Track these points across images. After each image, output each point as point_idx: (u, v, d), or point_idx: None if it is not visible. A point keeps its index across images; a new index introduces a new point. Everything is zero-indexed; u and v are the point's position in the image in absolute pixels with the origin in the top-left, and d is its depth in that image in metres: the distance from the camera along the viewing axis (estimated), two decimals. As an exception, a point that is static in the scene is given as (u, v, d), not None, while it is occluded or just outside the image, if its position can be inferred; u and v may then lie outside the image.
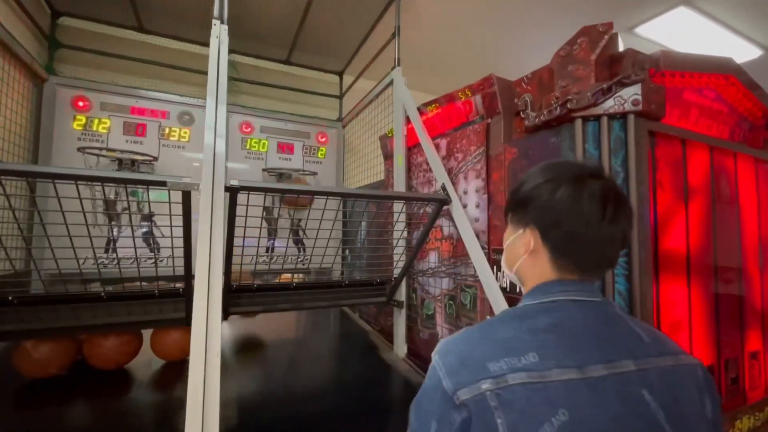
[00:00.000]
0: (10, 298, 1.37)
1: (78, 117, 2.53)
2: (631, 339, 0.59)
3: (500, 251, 1.55)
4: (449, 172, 1.86)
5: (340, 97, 3.65)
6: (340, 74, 3.64)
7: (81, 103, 2.54)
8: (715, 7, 2.68)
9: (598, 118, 1.25)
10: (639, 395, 0.53)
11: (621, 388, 0.53)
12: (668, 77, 1.36)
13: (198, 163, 2.83)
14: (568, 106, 1.25)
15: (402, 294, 2.09)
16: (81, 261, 1.35)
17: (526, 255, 0.68)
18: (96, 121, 2.57)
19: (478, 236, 1.62)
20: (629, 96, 1.20)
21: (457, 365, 0.56)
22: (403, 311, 2.09)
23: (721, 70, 1.50)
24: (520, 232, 0.69)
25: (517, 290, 1.45)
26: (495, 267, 1.58)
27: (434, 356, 0.60)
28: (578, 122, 1.26)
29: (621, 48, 1.37)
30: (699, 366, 0.61)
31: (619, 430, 0.51)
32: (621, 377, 0.54)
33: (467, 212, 1.71)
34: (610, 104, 1.22)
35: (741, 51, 3.17)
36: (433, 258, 2.03)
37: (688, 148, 1.43)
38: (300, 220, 2.76)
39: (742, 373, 1.53)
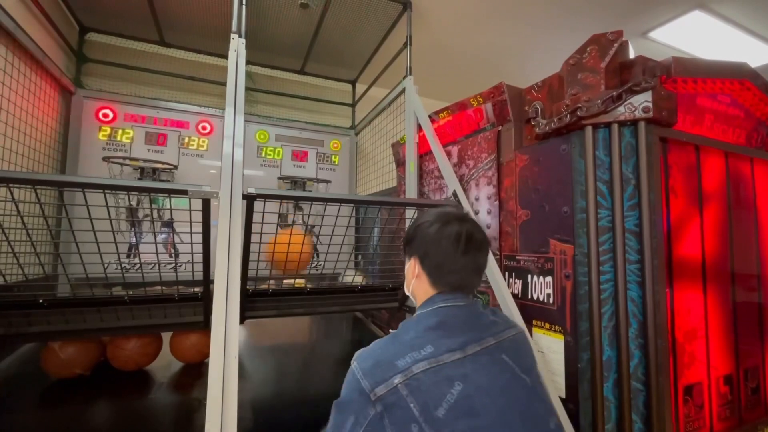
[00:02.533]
0: (40, 300, 1.44)
1: (103, 128, 2.64)
2: (490, 324, 0.82)
3: (512, 257, 1.56)
4: (460, 179, 1.88)
5: (353, 105, 3.71)
6: (353, 83, 3.71)
7: (106, 115, 2.66)
8: (731, 10, 2.64)
9: (608, 125, 1.25)
10: (501, 359, 0.76)
11: (490, 357, 0.75)
12: (680, 83, 1.36)
13: (215, 171, 2.92)
14: (578, 113, 1.26)
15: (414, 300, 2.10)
16: (105, 265, 1.41)
17: (414, 279, 0.89)
18: (120, 131, 2.68)
19: (489, 242, 1.63)
20: (639, 103, 1.21)
21: (372, 367, 0.71)
22: (415, 317, 2.10)
23: (735, 75, 1.48)
24: (410, 262, 0.91)
25: (528, 296, 1.46)
26: (506, 273, 1.58)
27: (353, 363, 0.75)
28: (588, 129, 1.26)
29: (632, 55, 1.37)
30: (522, 328, 0.89)
31: (497, 384, 0.71)
32: (488, 349, 0.76)
33: (478, 219, 1.73)
34: (620, 111, 1.23)
35: (759, 53, 3.10)
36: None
37: (702, 153, 1.42)
38: (313, 226, 2.80)
39: (763, 382, 1.49)
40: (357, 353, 0.77)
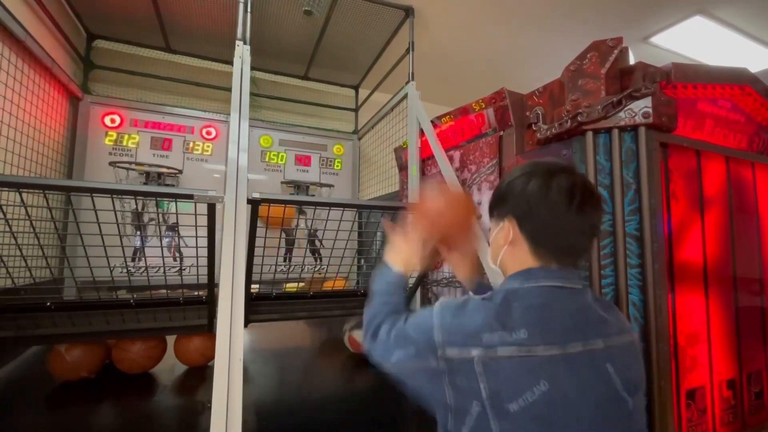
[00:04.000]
0: (47, 303, 1.46)
1: (110, 133, 2.68)
2: (600, 322, 0.66)
3: (513, 261, 1.56)
4: (463, 183, 1.89)
5: (356, 110, 3.74)
6: (356, 88, 3.74)
7: (113, 120, 2.70)
8: (732, 15, 2.65)
9: (609, 130, 1.27)
10: (604, 368, 0.62)
11: (591, 362, 0.62)
12: (680, 89, 1.37)
13: (218, 175, 2.94)
14: (579, 119, 1.27)
15: (416, 303, 2.11)
16: (111, 269, 1.43)
17: (506, 245, 0.73)
18: (126, 136, 2.72)
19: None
20: (640, 109, 1.22)
21: (452, 325, 0.63)
22: (418, 321, 2.10)
23: (735, 80, 1.49)
24: (501, 225, 0.75)
25: (531, 300, 1.46)
26: (508, 277, 1.59)
27: (436, 305, 0.67)
28: (589, 135, 1.28)
29: (632, 61, 1.39)
30: (638, 337, 0.73)
31: (589, 396, 0.59)
32: (592, 353, 0.62)
33: (481, 223, 1.74)
34: (620, 117, 1.24)
35: (760, 58, 3.11)
36: (447, 268, 2.05)
37: (703, 158, 1.43)
38: (317, 230, 2.82)
39: (766, 387, 1.49)
40: (443, 300, 0.68)
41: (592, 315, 0.66)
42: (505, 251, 0.74)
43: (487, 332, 0.60)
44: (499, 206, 0.76)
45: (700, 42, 2.97)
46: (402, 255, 0.89)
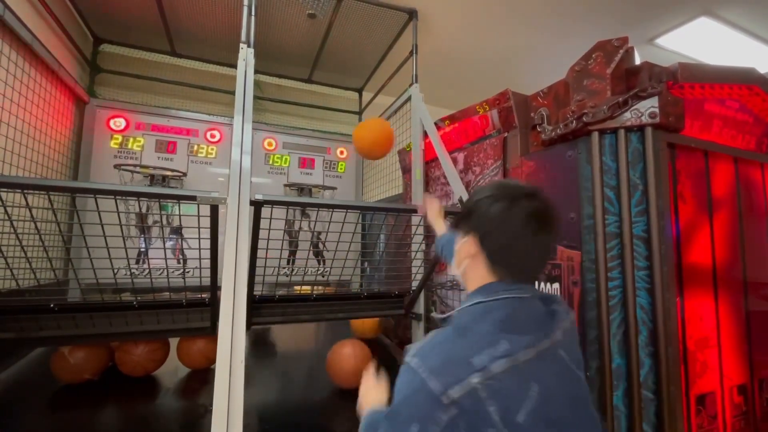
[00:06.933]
0: (51, 305, 1.46)
1: (115, 136, 2.70)
2: (552, 316, 0.72)
3: (518, 264, 1.55)
4: (467, 185, 1.88)
5: (360, 113, 3.74)
6: (360, 91, 3.74)
7: (118, 123, 2.71)
8: (738, 16, 2.63)
9: (615, 131, 1.25)
10: (559, 355, 0.68)
11: (553, 353, 0.67)
12: (687, 89, 1.35)
13: (223, 178, 2.95)
14: (584, 119, 1.26)
15: (420, 306, 2.10)
16: (115, 271, 1.43)
17: (468, 258, 0.77)
18: (131, 139, 2.73)
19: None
20: (646, 109, 1.20)
21: (442, 365, 0.61)
22: (422, 324, 2.09)
23: (743, 80, 1.47)
24: (465, 239, 0.78)
25: (536, 303, 1.44)
26: (513, 280, 1.57)
27: (411, 360, 0.64)
28: (595, 135, 1.26)
29: (637, 61, 1.37)
30: (573, 316, 0.78)
31: (564, 387, 0.65)
32: (553, 345, 0.67)
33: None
34: (627, 117, 1.23)
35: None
36: (450, 272, 2.03)
37: (711, 159, 1.41)
38: (320, 232, 2.81)
39: (778, 393, 1.45)
40: (413, 348, 0.66)
41: (546, 312, 0.72)
42: (467, 263, 0.78)
43: (475, 355, 0.60)
44: (464, 221, 0.80)
45: (705, 43, 2.94)
46: (371, 398, 0.87)
